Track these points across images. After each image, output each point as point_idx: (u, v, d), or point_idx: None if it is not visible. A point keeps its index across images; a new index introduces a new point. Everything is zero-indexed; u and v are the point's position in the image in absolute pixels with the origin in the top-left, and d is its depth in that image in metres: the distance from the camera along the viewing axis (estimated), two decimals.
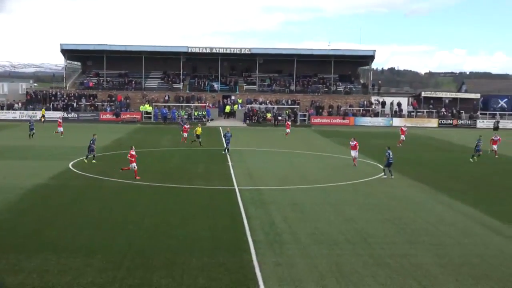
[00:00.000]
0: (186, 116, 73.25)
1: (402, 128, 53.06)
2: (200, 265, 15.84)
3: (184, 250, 17.24)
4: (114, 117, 75.24)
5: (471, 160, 39.70)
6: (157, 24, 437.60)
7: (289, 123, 60.75)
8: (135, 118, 75.30)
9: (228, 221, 21.18)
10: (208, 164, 36.30)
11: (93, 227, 19.83)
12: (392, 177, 31.12)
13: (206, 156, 40.38)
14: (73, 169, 32.73)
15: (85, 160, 35.16)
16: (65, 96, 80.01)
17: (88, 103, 78.98)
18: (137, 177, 29.51)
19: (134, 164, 30.18)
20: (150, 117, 76.33)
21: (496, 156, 41.87)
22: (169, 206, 23.54)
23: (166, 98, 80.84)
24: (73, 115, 74.98)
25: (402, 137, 50.93)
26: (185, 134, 48.61)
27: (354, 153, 36.13)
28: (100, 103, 79.50)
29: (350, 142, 36.45)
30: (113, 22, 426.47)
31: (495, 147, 42.82)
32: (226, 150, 40.83)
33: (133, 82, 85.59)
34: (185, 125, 50.18)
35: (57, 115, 69.73)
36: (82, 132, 54.46)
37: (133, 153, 30.42)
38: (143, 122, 74.37)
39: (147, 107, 77.67)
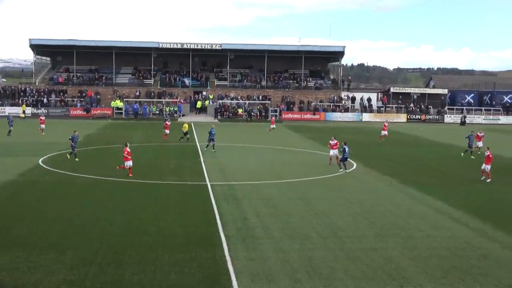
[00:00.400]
0: (169, 113, 72.62)
1: (385, 123, 52.89)
2: (172, 261, 15.85)
3: (157, 246, 17.21)
4: (85, 112, 74.48)
5: (462, 154, 39.94)
6: (128, 20, 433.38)
7: (273, 118, 60.22)
8: (106, 114, 74.66)
9: (200, 216, 21.20)
10: (180, 159, 36.22)
11: (64, 224, 19.65)
12: (343, 171, 31.65)
13: (178, 152, 40.28)
14: (43, 165, 32.35)
15: (68, 156, 34.70)
16: (34, 92, 78.89)
17: (58, 99, 78.01)
18: (130, 175, 29.10)
19: (130, 162, 29.53)
20: (121, 113, 75.79)
21: (479, 152, 40.63)
22: (141, 202, 23.44)
23: (137, 93, 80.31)
24: (42, 110, 73.95)
25: (385, 132, 50.89)
26: (167, 131, 47.96)
27: (333, 152, 34.57)
28: (70, 99, 78.60)
29: (330, 141, 35.11)
30: (83, 17, 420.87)
31: (479, 143, 42.33)
32: (212, 146, 39.78)
33: (104, 77, 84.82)
34: (166, 121, 49.41)
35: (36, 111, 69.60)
36: (52, 128, 53.81)
37: (129, 150, 29.75)
38: (114, 118, 73.78)
39: (118, 103, 77.09)
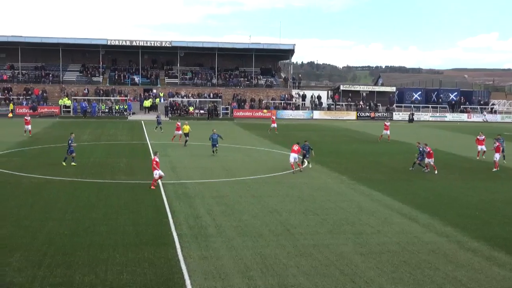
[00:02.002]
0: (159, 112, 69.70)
1: (386, 123, 51.81)
2: (124, 261, 15.61)
3: (108, 246, 16.92)
4: (31, 111, 72.51)
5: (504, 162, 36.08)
6: (76, 16, 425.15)
7: (274, 118, 58.95)
8: (53, 112, 73.00)
9: (152, 215, 20.97)
10: (131, 158, 35.76)
11: (11, 225, 19.09)
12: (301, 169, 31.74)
13: (128, 151, 39.76)
14: None
15: (64, 163, 31.62)
16: None
17: (3, 97, 75.84)
18: (152, 187, 25.78)
19: (158, 172, 26.09)
20: (69, 111, 74.30)
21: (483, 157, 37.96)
22: (91, 202, 23.01)
23: (86, 91, 78.92)
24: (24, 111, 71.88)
25: (386, 132, 50.17)
26: (179, 132, 44.27)
27: (294, 157, 31.99)
28: (15, 97, 76.49)
29: (294, 147, 32.82)
30: (28, 13, 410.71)
31: (482, 147, 38.19)
32: (214, 150, 37.18)
33: (51, 75, 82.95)
34: (178, 123, 45.11)
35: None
36: None
37: (158, 160, 26.38)
38: (61, 116, 72.24)
39: (66, 101, 75.55)
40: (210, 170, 31.66)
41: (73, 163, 31.67)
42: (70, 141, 32.07)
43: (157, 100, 79.76)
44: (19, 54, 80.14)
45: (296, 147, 31.61)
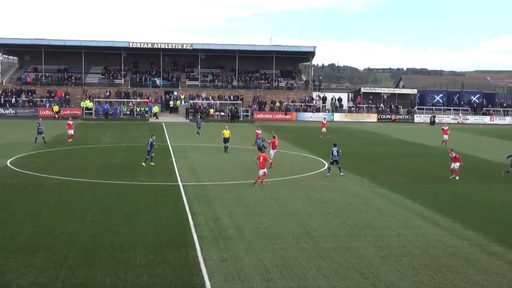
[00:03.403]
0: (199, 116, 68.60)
1: (443, 128, 50.51)
2: (144, 262, 15.72)
3: (128, 247, 17.05)
4: (54, 113, 73.31)
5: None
6: (98, 19, 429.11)
7: (325, 122, 56.80)
8: (76, 114, 73.64)
9: (173, 217, 21.08)
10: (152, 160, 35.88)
11: (33, 226, 19.33)
12: (328, 174, 30.88)
13: None
14: (11, 166, 31.76)
15: (143, 164, 32.98)
16: (1, 92, 77.49)
17: (27, 99, 76.76)
18: (263, 183, 27.49)
19: (265, 170, 27.53)
20: (91, 113, 74.96)
21: None
22: (112, 203, 23.21)
23: (107, 93, 79.56)
24: (10, 111, 72.72)
25: (445, 137, 48.68)
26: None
27: (273, 153, 34.06)
28: (39, 99, 77.41)
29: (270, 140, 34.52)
30: (52, 16, 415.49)
31: None
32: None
33: (73, 77, 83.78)
34: (257, 131, 42.30)
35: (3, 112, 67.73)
36: (20, 129, 53.03)
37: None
38: (84, 118, 72.90)
39: (88, 103, 76.19)
40: (230, 172, 31.73)
41: (151, 163, 33.05)
42: (152, 142, 33.28)
43: (178, 102, 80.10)
44: (43, 57, 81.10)
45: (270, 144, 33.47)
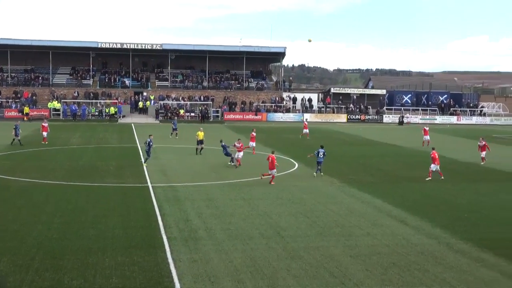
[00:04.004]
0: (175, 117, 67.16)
1: (425, 128, 50.88)
2: (113, 265, 15.55)
3: (97, 249, 16.86)
4: (20, 114, 72.13)
5: None
6: (67, 19, 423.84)
7: (306, 123, 56.69)
8: (43, 115, 72.53)
9: (142, 218, 20.91)
10: (120, 161, 35.64)
11: None
12: (316, 175, 31.08)
13: (118, 154, 39.65)
14: None
15: (145, 164, 33.49)
16: None
17: None
18: (272, 183, 28.46)
19: (275, 170, 28.70)
20: (58, 114, 73.95)
21: (482, 163, 37.24)
22: (80, 205, 22.92)
23: (75, 94, 78.60)
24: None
25: (426, 137, 48.90)
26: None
27: (240, 155, 34.57)
28: (4, 100, 76.05)
29: (236, 143, 34.88)
30: (18, 16, 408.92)
31: (484, 153, 37.51)
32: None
33: (40, 78, 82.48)
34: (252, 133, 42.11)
35: None
36: None
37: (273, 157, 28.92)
38: (51, 119, 71.80)
39: (56, 104, 75.16)
40: (200, 173, 31.62)
41: (144, 164, 33.45)
42: (150, 142, 33.71)
43: (148, 103, 79.53)
44: (8, 57, 79.69)
45: (239, 144, 34.32)
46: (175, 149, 42.54)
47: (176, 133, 50.30)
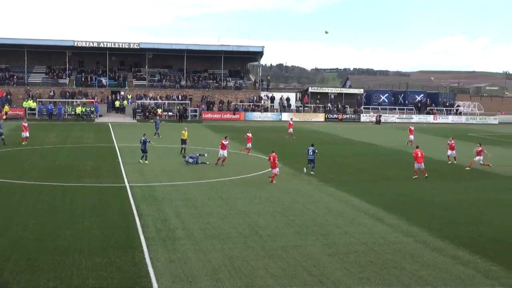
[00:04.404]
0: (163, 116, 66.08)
1: (410, 127, 51.13)
2: (90, 265, 15.41)
3: (73, 250, 16.68)
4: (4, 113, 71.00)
5: None
6: (42, 17, 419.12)
7: (292, 123, 56.30)
8: (18, 114, 71.63)
9: (119, 219, 20.75)
10: (97, 161, 35.32)
11: None
12: (306, 172, 31.66)
13: (94, 153, 39.30)
14: None
15: (144, 161, 34.44)
16: None
17: None
18: (274, 181, 28.75)
19: (277, 169, 29.00)
20: (34, 114, 73.03)
21: (455, 162, 37.47)
22: (56, 205, 22.67)
23: (51, 93, 77.69)
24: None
25: (411, 137, 48.91)
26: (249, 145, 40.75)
27: (224, 153, 34.37)
28: None
29: (224, 141, 34.79)
30: None
31: (453, 152, 37.62)
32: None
33: (15, 77, 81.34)
34: (248, 134, 41.88)
35: None
36: None
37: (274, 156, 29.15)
38: (26, 118, 70.87)
39: (31, 103, 74.23)
40: (178, 173, 31.49)
41: (145, 161, 34.41)
42: (145, 140, 34.50)
43: (125, 102, 78.99)
44: None
45: (226, 141, 34.53)
46: (153, 149, 42.23)
47: (157, 133, 50.00)
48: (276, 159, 29.10)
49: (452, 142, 37.92)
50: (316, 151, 32.06)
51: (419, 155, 31.13)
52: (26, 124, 44.60)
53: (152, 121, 54.83)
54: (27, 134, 43.93)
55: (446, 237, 19.20)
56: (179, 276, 14.78)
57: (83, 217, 20.79)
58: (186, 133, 39.48)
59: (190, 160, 34.56)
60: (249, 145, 40.64)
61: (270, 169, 29.34)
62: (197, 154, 35.36)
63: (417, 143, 38.46)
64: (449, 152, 37.79)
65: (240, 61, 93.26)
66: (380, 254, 17.17)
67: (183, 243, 17.79)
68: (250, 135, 41.60)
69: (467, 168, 35.04)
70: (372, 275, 15.29)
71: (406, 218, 21.80)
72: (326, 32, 50.26)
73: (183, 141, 39.18)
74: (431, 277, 15.19)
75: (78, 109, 74.14)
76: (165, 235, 18.60)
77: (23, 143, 42.73)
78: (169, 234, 18.81)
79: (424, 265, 16.26)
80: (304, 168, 31.89)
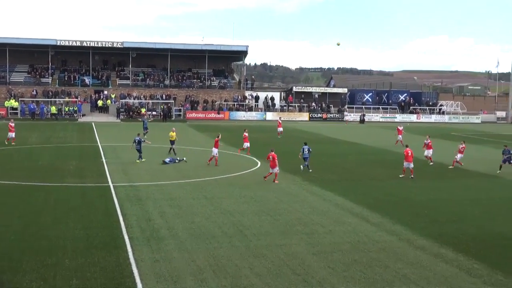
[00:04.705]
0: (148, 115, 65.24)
1: (398, 127, 51.09)
2: (74, 266, 15.30)
3: (57, 250, 16.56)
4: None
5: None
6: (25, 15, 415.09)
7: (281, 122, 56.82)
8: (0, 114, 70.98)
9: (103, 218, 20.63)
10: (81, 160, 35.09)
11: None
12: (303, 170, 32.24)
13: (78, 153, 39.04)
14: None
15: (138, 161, 34.70)
16: None
17: None
18: (276, 181, 28.87)
19: (277, 168, 28.98)
20: (16, 113, 72.38)
21: (431, 163, 36.92)
22: (40, 206, 22.48)
23: (34, 93, 77.07)
24: None
25: (400, 137, 48.89)
26: (247, 144, 40.14)
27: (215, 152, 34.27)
28: None
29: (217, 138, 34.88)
30: None
31: (430, 151, 37.36)
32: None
33: None
34: (245, 133, 41.43)
35: None
36: None
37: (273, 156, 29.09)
38: (8, 118, 70.24)
39: (13, 103, 73.57)
40: (163, 172, 31.38)
41: (137, 160, 34.65)
42: (140, 140, 34.88)
43: (108, 101, 78.56)
44: None
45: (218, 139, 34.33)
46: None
47: (145, 133, 49.58)
48: (276, 158, 29.04)
49: (429, 141, 37.58)
50: (311, 149, 32.77)
51: (409, 154, 31.15)
52: (12, 124, 44.07)
53: (140, 120, 54.52)
54: (13, 134, 43.37)
55: (429, 235, 19.33)
56: (163, 276, 14.73)
57: (67, 217, 20.64)
58: (174, 133, 38.83)
59: (167, 160, 34.74)
60: (247, 144, 40.13)
61: (271, 168, 29.10)
62: (177, 159, 35.28)
63: (403, 142, 38.63)
64: (426, 152, 37.25)
65: (224, 61, 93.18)
66: (364, 253, 17.25)
67: (168, 243, 17.73)
68: (246, 134, 41.20)
69: (451, 167, 35.33)
70: (356, 273, 15.35)
71: (390, 217, 21.92)
72: (338, 44, 49.59)
73: (172, 142, 38.52)
74: (415, 275, 15.29)
75: (53, 109, 72.72)
76: (149, 235, 18.53)
77: (6, 143, 42.27)
78: (153, 234, 18.74)
79: (408, 263, 16.35)
80: (301, 166, 32.50)
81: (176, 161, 35.10)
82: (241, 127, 63.07)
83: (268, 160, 29.40)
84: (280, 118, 62.22)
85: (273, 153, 29.21)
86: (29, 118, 70.13)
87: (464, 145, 36.18)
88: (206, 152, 40.95)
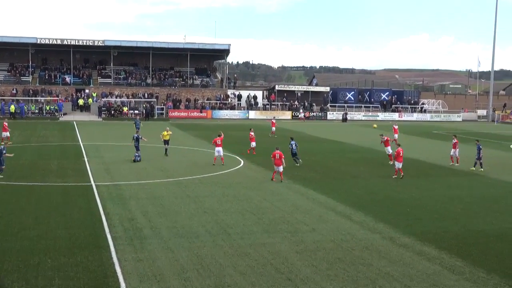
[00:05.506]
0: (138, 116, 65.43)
1: (394, 126, 50.49)
2: (56, 265, 15.17)
3: (39, 250, 16.40)
4: None
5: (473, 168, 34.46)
6: (4, 13, 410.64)
7: (274, 121, 56.38)
8: None
9: (85, 218, 20.47)
10: (62, 160, 34.81)
11: None
12: (297, 164, 33.58)
13: (59, 152, 38.71)
14: None
15: (137, 160, 34.45)
16: None
17: None
18: (273, 179, 29.13)
19: (282, 167, 28.69)
20: None
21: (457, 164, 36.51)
22: (21, 206, 22.24)
23: (14, 91, 76.31)
24: None
25: (395, 136, 47.69)
26: (253, 144, 39.63)
27: (217, 151, 33.89)
28: None
29: (217, 139, 34.26)
30: None
31: (457, 152, 36.71)
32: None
33: None
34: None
35: None
36: None
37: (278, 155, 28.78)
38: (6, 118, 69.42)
39: None
40: (145, 171, 31.23)
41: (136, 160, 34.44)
42: (138, 137, 34.91)
43: (90, 100, 78.02)
44: None
45: (219, 141, 33.81)
46: (119, 147, 41.86)
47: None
48: (283, 156, 28.88)
49: (455, 141, 36.72)
50: (297, 144, 34.11)
51: (401, 154, 31.02)
52: (6, 124, 43.72)
53: (132, 120, 54.17)
54: (7, 133, 43.08)
55: (412, 233, 19.45)
56: (147, 275, 14.66)
57: (49, 217, 20.46)
58: (167, 133, 37.84)
59: (137, 157, 34.61)
60: (254, 144, 39.60)
61: (275, 166, 28.88)
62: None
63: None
64: (452, 151, 36.40)
65: (206, 59, 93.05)
66: (347, 251, 17.31)
67: (151, 242, 17.64)
68: (253, 134, 40.42)
69: (457, 164, 35.48)
70: (340, 271, 15.40)
71: (373, 215, 22.02)
72: (374, 127, 50.27)
73: (166, 142, 37.70)
74: (398, 273, 15.37)
75: (12, 108, 70.20)
76: (132, 234, 18.43)
77: (9, 143, 41.60)
78: (136, 233, 18.64)
79: (391, 261, 16.44)
80: (297, 162, 33.76)
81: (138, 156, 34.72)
82: (223, 126, 63.09)
83: (274, 158, 28.91)
84: (274, 117, 61.93)
85: (278, 151, 28.97)
86: (9, 117, 69.27)
87: (456, 140, 36.52)
88: (189, 150, 40.92)
